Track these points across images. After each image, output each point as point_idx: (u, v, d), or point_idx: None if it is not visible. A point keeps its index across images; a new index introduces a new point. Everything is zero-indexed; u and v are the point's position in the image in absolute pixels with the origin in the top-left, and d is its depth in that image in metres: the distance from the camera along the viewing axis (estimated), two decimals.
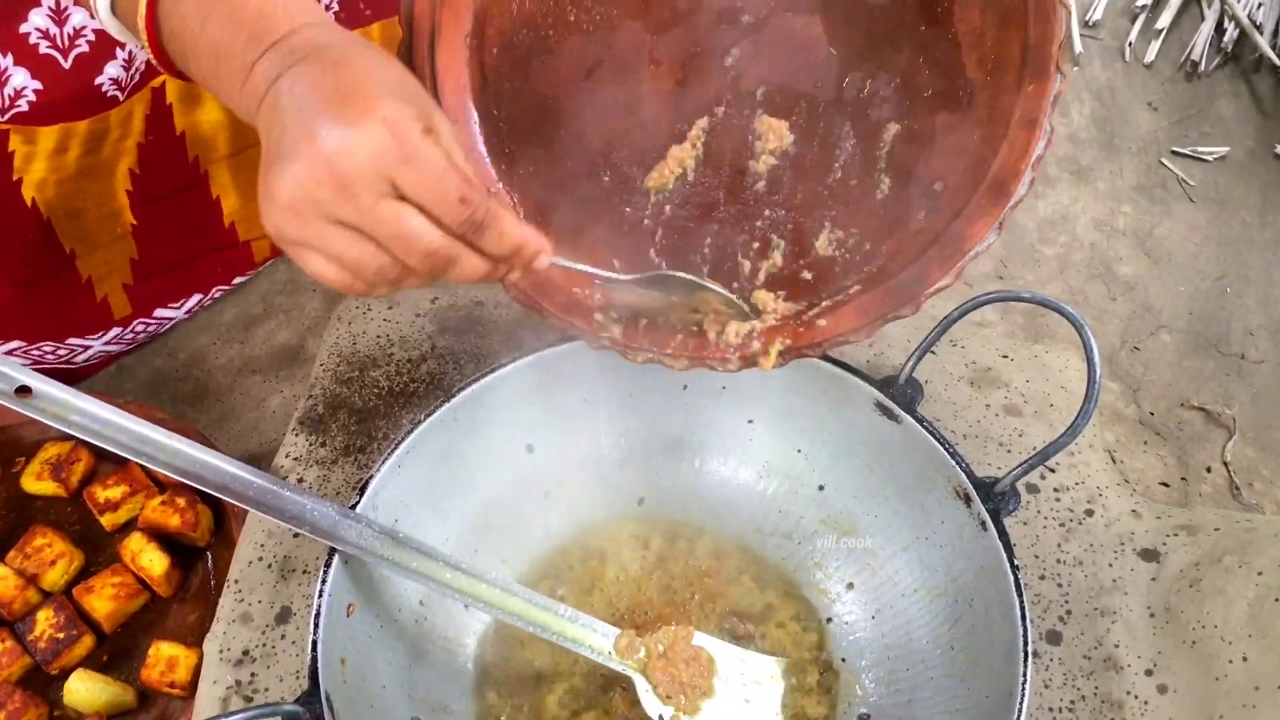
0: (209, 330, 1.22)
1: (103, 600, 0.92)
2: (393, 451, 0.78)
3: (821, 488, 0.89)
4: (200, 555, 0.98)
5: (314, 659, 0.68)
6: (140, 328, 1.12)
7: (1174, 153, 1.47)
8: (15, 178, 0.90)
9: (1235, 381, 1.26)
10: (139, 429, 0.69)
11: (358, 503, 0.75)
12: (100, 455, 1.02)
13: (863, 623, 0.85)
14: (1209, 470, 1.18)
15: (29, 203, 0.93)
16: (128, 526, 0.98)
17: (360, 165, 0.54)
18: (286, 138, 0.55)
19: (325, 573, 0.72)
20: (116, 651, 0.93)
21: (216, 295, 1.18)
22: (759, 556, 0.89)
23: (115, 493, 0.98)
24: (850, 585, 0.86)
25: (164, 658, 0.89)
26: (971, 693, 0.75)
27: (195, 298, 1.15)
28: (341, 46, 0.57)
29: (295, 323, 1.23)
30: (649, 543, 0.89)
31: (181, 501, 0.95)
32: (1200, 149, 1.46)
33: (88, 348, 1.09)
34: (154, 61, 0.65)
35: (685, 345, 0.76)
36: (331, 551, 0.73)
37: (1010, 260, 1.35)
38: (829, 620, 0.85)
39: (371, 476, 0.77)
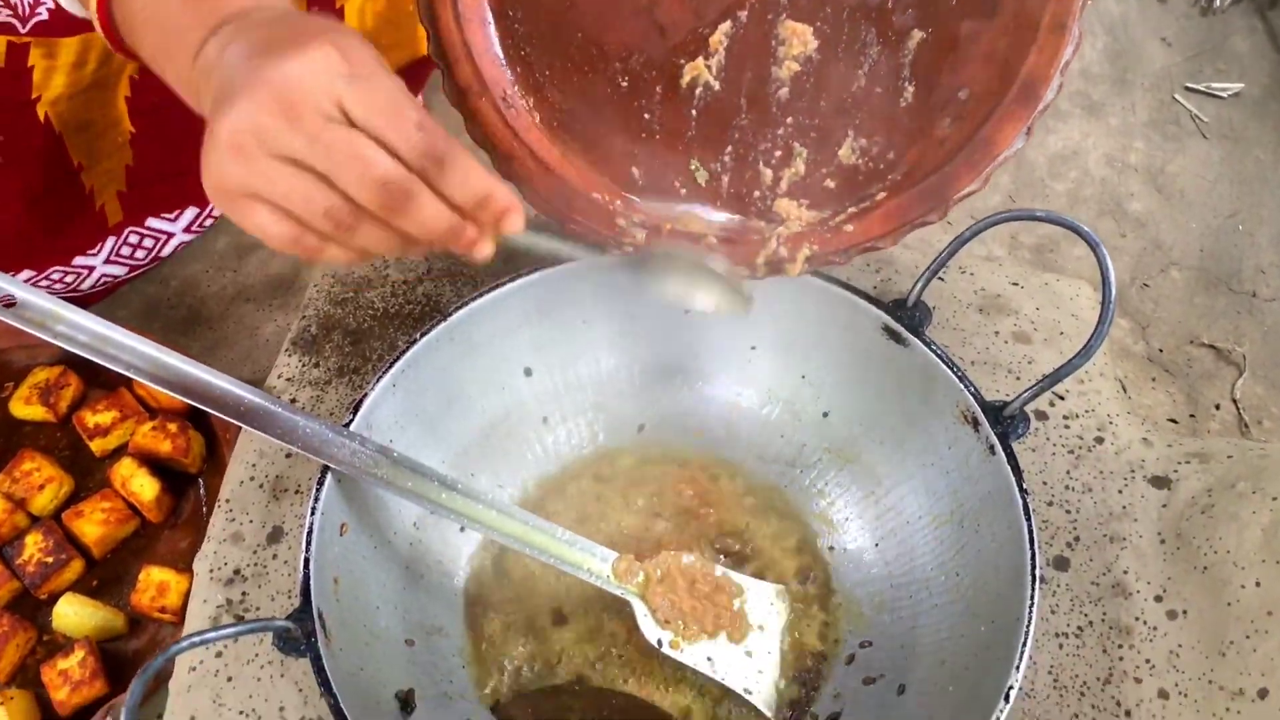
0: (202, 258, 1.19)
1: (92, 525, 0.90)
2: (387, 370, 0.76)
3: (826, 414, 0.87)
4: (192, 482, 0.96)
5: (306, 576, 0.67)
6: (135, 240, 1.10)
7: (1187, 89, 1.44)
8: (34, 95, 0.89)
9: (1246, 319, 1.24)
10: (127, 340, 0.66)
11: (351, 421, 0.73)
12: (90, 380, 1.00)
13: (866, 550, 0.83)
14: (1218, 407, 1.16)
15: (43, 118, 0.91)
16: (118, 452, 0.96)
17: (307, 85, 0.51)
18: (229, 84, 0.53)
19: (318, 490, 0.70)
20: (107, 577, 0.92)
21: (217, 214, 1.16)
22: (761, 484, 0.87)
23: (105, 418, 0.96)
24: (853, 513, 0.85)
25: (154, 583, 0.87)
26: (976, 619, 0.74)
27: (191, 211, 1.13)
28: (292, 15, 0.57)
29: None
30: (649, 469, 0.87)
31: (173, 427, 0.93)
32: (1214, 85, 1.43)
33: (91, 269, 1.08)
34: (104, 38, 0.65)
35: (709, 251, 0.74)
36: (324, 469, 0.71)
37: (1019, 195, 1.32)
38: (831, 548, 0.84)
39: (365, 395, 0.75)
